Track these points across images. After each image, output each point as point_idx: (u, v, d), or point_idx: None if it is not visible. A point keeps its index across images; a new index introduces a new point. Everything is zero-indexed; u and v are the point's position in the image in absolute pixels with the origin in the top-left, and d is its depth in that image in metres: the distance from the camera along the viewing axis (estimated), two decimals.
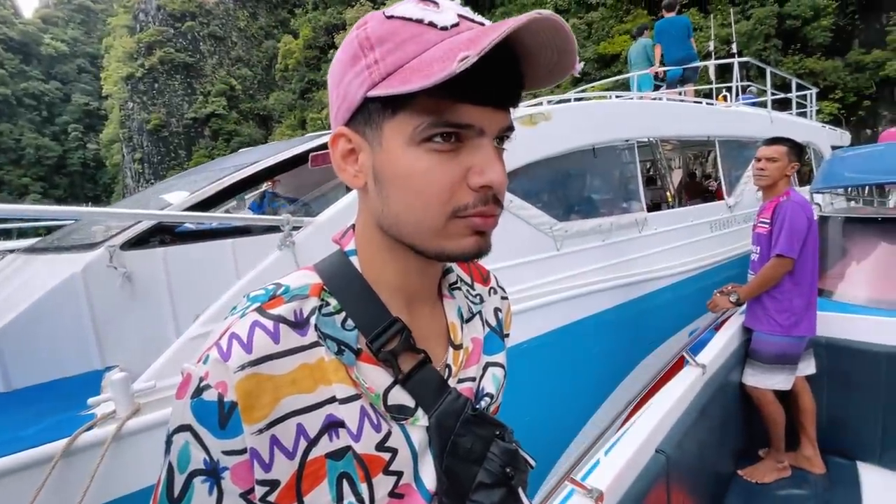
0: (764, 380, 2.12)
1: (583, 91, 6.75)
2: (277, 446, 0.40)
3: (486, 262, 0.63)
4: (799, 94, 6.63)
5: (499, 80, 0.40)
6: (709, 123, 4.28)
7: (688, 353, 1.87)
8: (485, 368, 0.53)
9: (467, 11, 0.41)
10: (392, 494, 0.44)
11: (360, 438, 0.43)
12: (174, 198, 2.30)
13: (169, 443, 0.41)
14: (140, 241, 2.03)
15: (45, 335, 1.82)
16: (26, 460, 1.27)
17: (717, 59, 8.51)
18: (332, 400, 0.42)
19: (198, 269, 2.15)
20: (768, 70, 5.52)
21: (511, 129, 0.43)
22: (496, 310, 0.59)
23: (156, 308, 2.06)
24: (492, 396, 0.53)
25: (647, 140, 3.88)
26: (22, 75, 60.37)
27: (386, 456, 0.44)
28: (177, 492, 0.40)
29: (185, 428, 0.40)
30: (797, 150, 2.16)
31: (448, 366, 0.49)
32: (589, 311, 2.75)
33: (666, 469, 1.41)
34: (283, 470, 0.40)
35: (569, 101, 3.40)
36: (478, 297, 0.57)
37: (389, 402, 0.44)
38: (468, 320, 0.54)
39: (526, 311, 2.44)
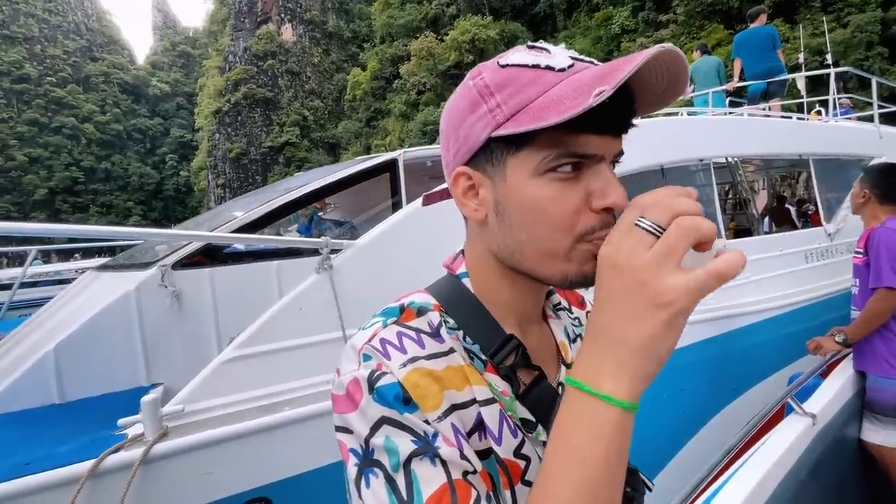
0: (889, 436, 1.80)
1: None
2: (459, 434, 0.41)
3: None
4: None
5: (617, 110, 0.41)
6: (801, 140, 3.79)
7: (794, 400, 1.62)
8: None
9: (575, 54, 0.44)
10: None
11: (500, 442, 0.44)
12: (230, 219, 2.35)
13: (370, 458, 0.39)
14: (190, 262, 2.07)
15: (98, 350, 1.88)
16: (53, 480, 1.26)
17: (808, 70, 7.70)
18: (474, 401, 0.44)
19: (243, 290, 2.15)
20: (874, 80, 4.84)
21: (622, 153, 0.45)
22: None
23: (201, 327, 2.07)
24: None
25: (725, 161, 3.50)
26: (132, 113, 69.79)
27: (522, 464, 0.45)
28: (405, 493, 0.37)
29: (378, 425, 0.39)
30: (871, 176, 2.00)
31: (561, 383, 0.51)
32: None
33: None
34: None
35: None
36: (576, 321, 0.59)
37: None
38: (573, 341, 0.56)
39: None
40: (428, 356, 0.43)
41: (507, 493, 0.44)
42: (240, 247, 2.40)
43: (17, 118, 59.29)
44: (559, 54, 0.43)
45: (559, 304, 0.58)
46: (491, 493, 0.41)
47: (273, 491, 1.51)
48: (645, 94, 0.43)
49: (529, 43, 0.45)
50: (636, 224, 0.34)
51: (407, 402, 0.40)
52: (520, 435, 0.45)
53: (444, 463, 0.39)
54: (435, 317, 0.46)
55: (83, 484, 1.26)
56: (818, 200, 3.89)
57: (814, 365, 2.06)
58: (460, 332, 0.47)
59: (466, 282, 0.50)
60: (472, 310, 0.48)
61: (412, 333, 0.44)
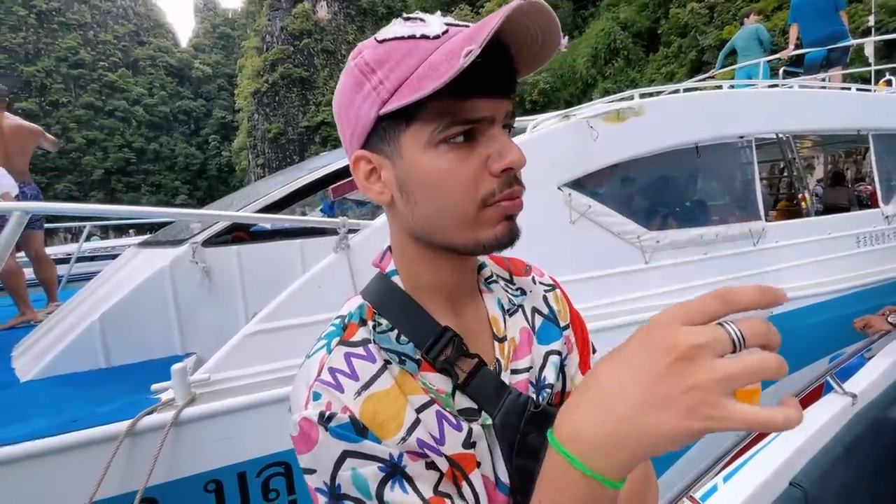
0: None
1: (702, 80, 5.97)
2: (427, 446, 0.42)
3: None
4: None
5: (498, 70, 0.41)
6: (859, 114, 3.47)
7: (833, 378, 1.56)
8: (545, 358, 0.53)
9: (450, 20, 0.43)
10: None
11: (444, 441, 0.43)
12: (256, 199, 2.43)
13: (337, 494, 0.39)
14: (219, 239, 2.17)
15: (137, 320, 2.02)
16: (97, 436, 1.39)
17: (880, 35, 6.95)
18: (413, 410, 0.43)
19: (268, 267, 2.24)
20: None
21: (513, 115, 0.45)
22: (544, 298, 0.59)
23: (230, 301, 2.19)
24: (552, 386, 0.52)
25: (773, 137, 3.26)
26: (177, 95, 72.53)
27: (473, 452, 0.44)
28: None
29: (341, 460, 0.39)
30: None
31: (497, 360, 0.50)
32: None
33: None
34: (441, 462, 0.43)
35: (676, 91, 2.98)
36: (518, 291, 0.57)
37: (456, 407, 0.45)
38: (511, 313, 0.54)
39: (605, 331, 2.15)
40: (378, 372, 0.43)
41: (465, 485, 0.43)
42: (266, 225, 2.49)
43: (75, 102, 62.97)
44: (433, 22, 0.42)
45: (490, 276, 0.56)
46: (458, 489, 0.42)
47: (292, 456, 1.59)
48: (524, 52, 0.43)
49: (405, 14, 0.44)
50: (722, 324, 0.29)
51: (364, 432, 0.40)
52: (465, 427, 0.44)
53: (416, 482, 0.39)
54: (367, 328, 0.46)
55: (122, 441, 1.38)
56: (877, 180, 3.58)
57: (858, 346, 1.96)
58: (392, 334, 0.46)
59: (396, 279, 0.49)
60: (404, 307, 0.48)
61: (360, 350, 0.44)
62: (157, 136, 67.93)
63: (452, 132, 0.41)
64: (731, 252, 2.64)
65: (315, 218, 2.69)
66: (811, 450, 1.32)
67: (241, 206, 2.25)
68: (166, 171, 67.47)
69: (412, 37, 0.41)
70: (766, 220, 2.86)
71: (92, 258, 7.73)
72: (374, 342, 0.45)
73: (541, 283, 0.60)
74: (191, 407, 1.49)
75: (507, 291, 0.56)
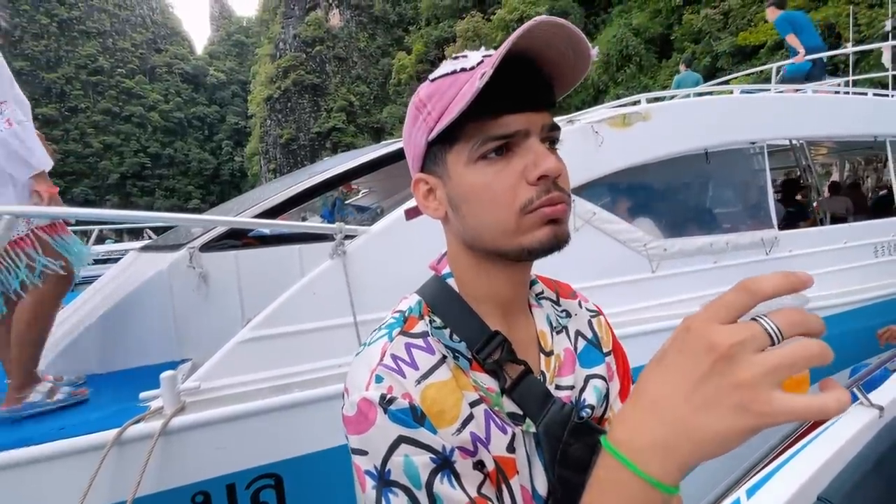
0: None
1: (724, 82, 6.20)
2: (479, 441, 0.44)
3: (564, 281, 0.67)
4: None
5: (525, 85, 0.45)
6: (876, 120, 3.37)
7: (860, 390, 1.52)
8: (585, 381, 0.54)
9: (491, 52, 0.47)
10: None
11: (489, 441, 0.45)
12: (254, 204, 2.41)
13: (386, 479, 0.40)
14: (216, 244, 2.15)
15: (134, 325, 2.00)
16: (81, 445, 1.36)
17: None
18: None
19: (266, 273, 2.22)
20: None
21: (556, 128, 0.48)
22: (589, 322, 0.60)
23: (227, 307, 2.16)
24: (592, 408, 0.53)
25: (787, 143, 3.18)
26: (192, 102, 73.88)
27: (514, 458, 0.46)
28: None
29: (396, 444, 0.40)
30: None
31: (542, 372, 0.52)
32: None
33: None
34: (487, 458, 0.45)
35: (686, 96, 2.92)
36: (564, 312, 0.59)
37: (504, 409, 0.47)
38: (557, 332, 0.56)
39: None
40: (437, 363, 0.45)
41: (504, 490, 0.45)
42: (265, 231, 2.48)
43: (93, 108, 64.41)
44: (472, 56, 0.47)
45: (541, 292, 0.59)
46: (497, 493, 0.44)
47: (283, 468, 1.56)
48: (559, 66, 0.46)
49: (455, 54, 0.50)
50: (757, 319, 0.30)
51: (422, 420, 0.41)
52: (509, 431, 0.46)
53: (462, 479, 0.41)
54: (425, 322, 0.49)
55: (108, 451, 1.35)
56: (895, 187, 3.47)
57: (883, 357, 1.87)
58: (446, 332, 0.48)
59: (451, 282, 0.52)
60: (457, 308, 0.50)
61: (420, 342, 0.47)
62: (172, 142, 69.12)
63: (487, 148, 0.45)
64: (743, 261, 2.56)
65: (310, 223, 2.68)
66: (839, 463, 1.29)
67: (239, 212, 2.24)
68: (180, 175, 68.55)
69: (454, 72, 0.47)
70: (779, 228, 2.77)
71: (105, 261, 7.86)
72: (432, 335, 0.48)
73: (586, 308, 0.62)
74: (180, 416, 1.46)
75: (554, 311, 0.58)
